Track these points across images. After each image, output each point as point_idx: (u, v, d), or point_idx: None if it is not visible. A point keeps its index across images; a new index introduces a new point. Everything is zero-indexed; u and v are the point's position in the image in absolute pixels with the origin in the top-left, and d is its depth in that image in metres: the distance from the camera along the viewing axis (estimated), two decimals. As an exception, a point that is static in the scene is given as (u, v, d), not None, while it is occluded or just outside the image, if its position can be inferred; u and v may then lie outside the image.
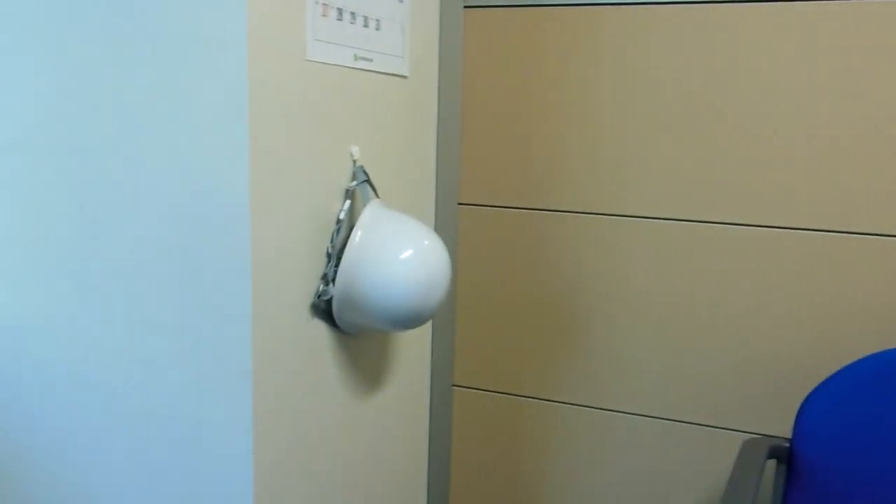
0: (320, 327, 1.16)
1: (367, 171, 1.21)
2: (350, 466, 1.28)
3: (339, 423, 1.24)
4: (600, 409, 1.47)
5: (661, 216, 1.38)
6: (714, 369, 1.38)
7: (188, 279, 1.05)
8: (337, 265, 1.13)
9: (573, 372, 1.48)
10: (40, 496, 1.24)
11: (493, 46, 1.44)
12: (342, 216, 1.16)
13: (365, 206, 1.16)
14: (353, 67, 1.16)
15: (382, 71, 1.23)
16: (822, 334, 1.31)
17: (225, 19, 0.96)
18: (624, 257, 1.41)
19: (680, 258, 1.38)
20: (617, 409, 1.46)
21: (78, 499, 1.21)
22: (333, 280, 1.13)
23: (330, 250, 1.15)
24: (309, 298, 1.13)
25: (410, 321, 1.15)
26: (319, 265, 1.15)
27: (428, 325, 1.51)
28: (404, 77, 1.30)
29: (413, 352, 1.45)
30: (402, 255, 1.12)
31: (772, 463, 1.31)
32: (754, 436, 1.37)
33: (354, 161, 1.19)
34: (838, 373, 1.25)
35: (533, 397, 1.52)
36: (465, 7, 1.44)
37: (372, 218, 1.14)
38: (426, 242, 1.14)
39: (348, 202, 1.17)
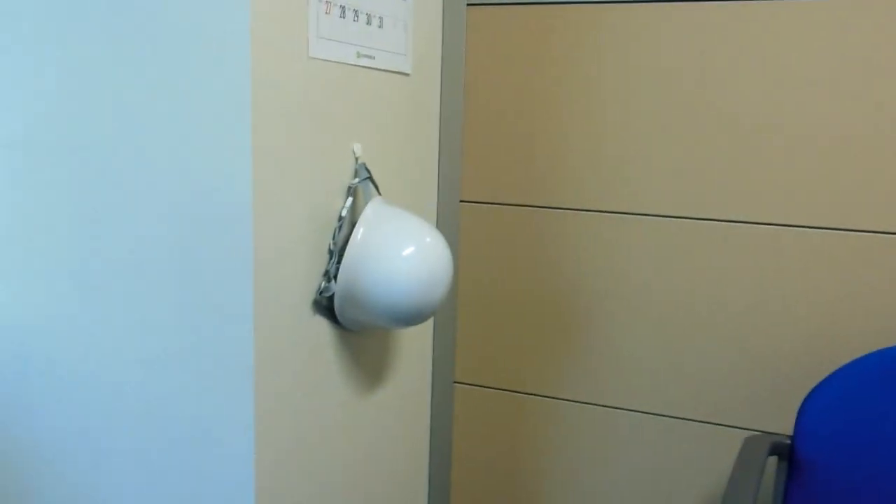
0: (322, 324, 1.17)
1: (369, 168, 1.21)
2: (351, 463, 1.28)
3: (341, 420, 1.24)
4: (602, 405, 1.47)
5: (663, 213, 1.38)
6: (715, 366, 1.39)
7: (189, 277, 1.05)
8: (339, 262, 1.13)
9: (574, 369, 1.48)
10: (42, 494, 1.24)
11: (495, 44, 1.44)
12: (344, 213, 1.16)
13: (367, 203, 1.16)
14: (355, 65, 1.16)
15: (385, 68, 1.23)
16: (823, 332, 1.31)
17: (227, 17, 0.97)
18: (625, 254, 1.41)
19: (681, 255, 1.38)
20: (618, 406, 1.46)
21: (79, 497, 1.21)
22: (335, 277, 1.14)
23: (332, 247, 1.15)
24: (311, 295, 1.13)
25: (412, 318, 1.15)
26: (321, 262, 1.15)
27: (429, 322, 1.51)
28: (407, 75, 1.30)
29: (414, 349, 1.45)
30: (403, 252, 1.12)
31: (773, 460, 1.31)
32: (755, 433, 1.37)
33: (356, 158, 1.19)
34: (839, 370, 1.25)
35: (534, 394, 1.53)
36: (468, 5, 1.44)
37: (374, 215, 1.14)
38: (428, 239, 1.15)
39: (350, 199, 1.17)
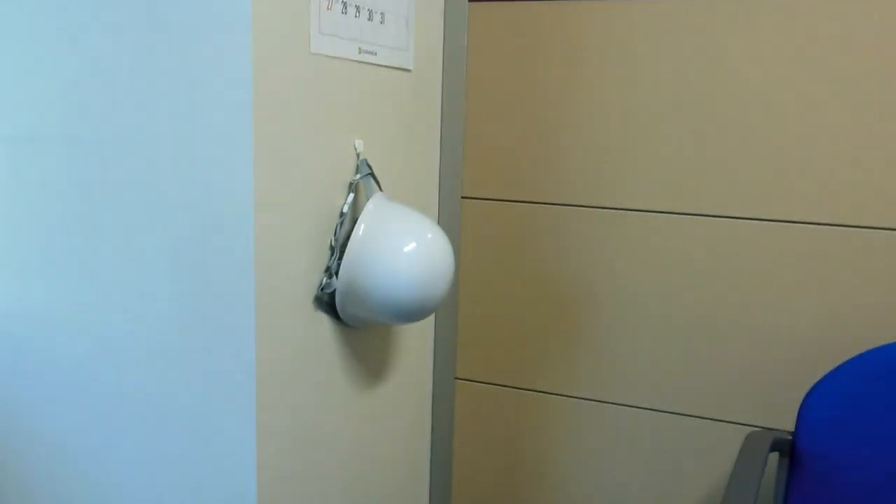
0: (323, 320, 1.17)
1: (371, 164, 1.21)
2: (352, 459, 1.28)
3: (342, 416, 1.24)
4: (603, 402, 1.47)
5: (665, 210, 1.38)
6: (716, 362, 1.39)
7: (191, 273, 1.05)
8: (340, 258, 1.13)
9: (575, 365, 1.48)
10: (45, 489, 1.24)
11: (497, 40, 1.44)
12: (346, 209, 1.16)
13: (368, 199, 1.16)
14: (357, 61, 1.16)
15: (387, 64, 1.23)
16: (825, 328, 1.31)
17: (230, 12, 0.96)
18: (627, 251, 1.41)
19: (683, 252, 1.38)
20: (620, 403, 1.46)
21: (82, 493, 1.21)
22: (337, 273, 1.14)
23: (333, 243, 1.15)
24: (312, 291, 1.13)
25: (413, 314, 1.15)
26: (323, 258, 1.15)
27: (431, 318, 1.51)
28: (408, 70, 1.30)
29: (416, 345, 1.45)
30: (405, 248, 1.12)
31: (774, 456, 1.31)
32: (757, 429, 1.37)
33: (358, 154, 1.19)
34: (841, 366, 1.25)
35: (535, 390, 1.53)
36: (470, 1, 1.44)
37: (375, 211, 1.14)
38: (429, 235, 1.15)
39: (352, 195, 1.17)
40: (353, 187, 1.18)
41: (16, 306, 1.20)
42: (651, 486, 1.47)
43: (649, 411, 1.44)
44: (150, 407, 1.13)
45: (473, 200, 1.50)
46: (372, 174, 1.20)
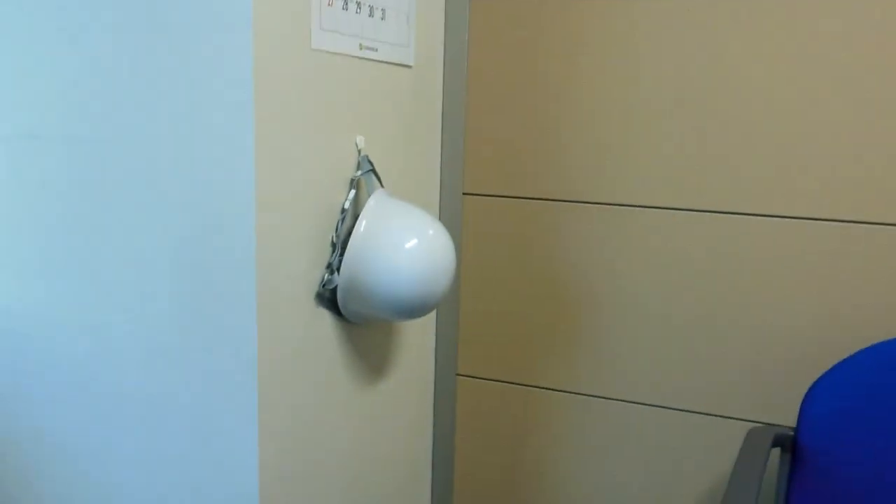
0: (325, 317, 1.17)
1: (372, 160, 1.21)
2: (354, 455, 1.29)
3: (343, 412, 1.24)
4: (605, 398, 1.47)
5: (667, 206, 1.38)
6: (718, 358, 1.39)
7: (192, 269, 1.05)
8: (342, 255, 1.13)
9: (577, 361, 1.48)
10: (46, 488, 1.24)
11: (498, 36, 1.43)
12: (347, 206, 1.16)
13: (370, 195, 1.16)
14: (358, 57, 1.16)
15: (387, 60, 1.23)
16: (826, 323, 1.31)
17: (230, 9, 0.96)
18: (628, 247, 1.41)
19: (685, 248, 1.38)
20: (622, 399, 1.46)
21: (83, 490, 1.21)
22: (338, 269, 1.14)
23: (335, 240, 1.15)
24: (314, 288, 1.13)
25: (415, 310, 1.15)
26: (324, 255, 1.15)
27: (432, 315, 1.51)
28: (409, 67, 1.30)
29: (417, 341, 1.45)
30: (406, 244, 1.12)
31: (776, 451, 1.31)
32: (759, 424, 1.37)
33: (359, 151, 1.19)
34: (843, 362, 1.25)
35: (536, 386, 1.53)
36: (470, -4, 1.44)
37: (377, 207, 1.14)
38: (430, 232, 1.15)
39: (353, 192, 1.17)
40: (354, 184, 1.18)
41: (16, 305, 1.20)
42: (653, 481, 1.47)
43: (651, 407, 1.44)
44: (151, 406, 1.13)
45: (475, 197, 1.50)
46: (373, 170, 1.20)
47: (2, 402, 1.25)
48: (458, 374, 1.58)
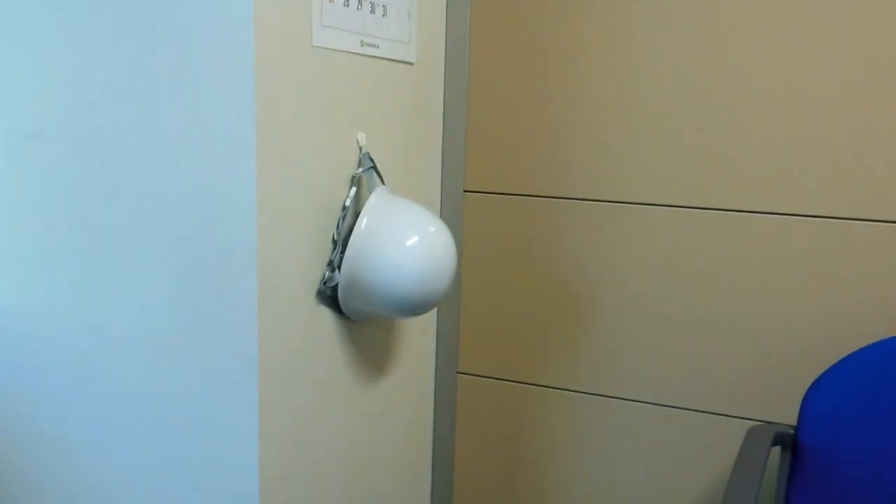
0: (326, 314, 1.17)
1: (373, 157, 1.21)
2: (354, 452, 1.29)
3: (344, 409, 1.24)
4: (605, 396, 1.47)
5: (667, 203, 1.37)
6: (718, 356, 1.39)
7: (193, 267, 1.05)
8: (342, 252, 1.13)
9: (577, 359, 1.48)
10: (46, 486, 1.24)
11: (499, 33, 1.43)
12: (348, 203, 1.16)
13: (371, 192, 1.16)
14: (359, 54, 1.16)
15: (389, 57, 1.23)
16: (827, 321, 1.31)
17: (232, 6, 0.96)
18: (629, 245, 1.41)
19: (685, 245, 1.37)
20: (622, 397, 1.46)
21: (84, 487, 1.21)
22: (339, 267, 1.13)
23: (335, 237, 1.15)
24: (314, 285, 1.13)
25: (415, 308, 1.15)
26: (325, 252, 1.15)
27: (433, 312, 1.51)
28: (410, 64, 1.30)
29: (418, 339, 1.45)
30: (407, 241, 1.12)
31: (776, 450, 1.31)
32: (759, 423, 1.37)
33: (360, 148, 1.19)
34: (843, 360, 1.25)
35: (536, 384, 1.53)
36: (471, -7, 1.44)
37: (378, 205, 1.14)
38: (432, 229, 1.14)
39: (354, 189, 1.17)
40: (355, 181, 1.18)
41: (18, 304, 1.20)
42: (653, 480, 1.47)
43: (652, 405, 1.44)
44: (152, 404, 1.13)
45: (476, 194, 1.50)
46: (374, 168, 1.19)
47: (2, 400, 1.25)
48: (458, 372, 1.58)
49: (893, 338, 1.24)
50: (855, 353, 1.25)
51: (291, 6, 1.01)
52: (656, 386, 1.43)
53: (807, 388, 1.32)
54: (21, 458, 1.26)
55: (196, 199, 1.03)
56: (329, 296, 1.16)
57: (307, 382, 1.14)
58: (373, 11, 1.17)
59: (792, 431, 1.28)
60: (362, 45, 1.16)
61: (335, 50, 1.10)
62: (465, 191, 1.51)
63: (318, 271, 1.14)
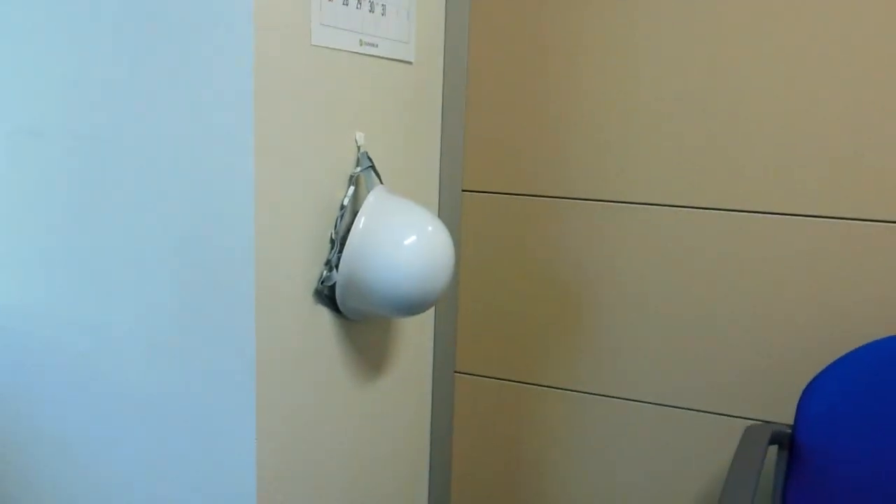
0: (323, 313, 1.17)
1: (372, 157, 1.21)
2: (352, 452, 1.29)
3: (342, 408, 1.24)
4: (603, 395, 1.48)
5: (665, 203, 1.38)
6: (716, 356, 1.39)
7: (192, 266, 1.05)
8: (340, 251, 1.13)
9: (575, 358, 1.48)
10: (48, 483, 1.24)
11: (498, 33, 1.43)
12: (346, 202, 1.16)
13: (369, 192, 1.16)
14: (358, 53, 1.16)
15: (388, 57, 1.23)
16: (824, 321, 1.32)
17: (231, 5, 0.96)
18: (627, 244, 1.41)
19: (682, 245, 1.38)
20: (620, 396, 1.46)
21: (82, 486, 1.21)
22: (337, 266, 1.13)
23: (333, 236, 1.15)
24: (312, 285, 1.13)
25: (413, 307, 1.15)
26: (323, 251, 1.15)
27: (430, 312, 1.51)
28: (409, 63, 1.30)
29: (415, 338, 1.45)
30: (405, 241, 1.12)
31: (773, 449, 1.32)
32: (756, 422, 1.37)
33: (359, 147, 1.19)
34: (840, 359, 1.25)
35: (534, 384, 1.53)
36: (470, -7, 1.44)
37: (376, 204, 1.14)
38: (430, 229, 1.14)
39: (352, 188, 1.17)
40: (353, 180, 1.18)
41: (17, 303, 1.19)
42: (651, 479, 1.47)
43: (649, 405, 1.45)
44: (150, 404, 1.13)
45: (474, 193, 1.50)
46: (372, 167, 1.19)
47: (2, 400, 1.24)
48: (456, 372, 1.58)
49: (890, 337, 1.24)
50: (852, 352, 1.25)
51: (291, 5, 1.01)
52: (654, 385, 1.44)
53: (804, 387, 1.33)
54: (21, 457, 1.25)
55: (195, 198, 1.03)
56: (327, 295, 1.16)
57: (305, 382, 1.14)
58: (372, 10, 1.17)
59: (789, 431, 1.28)
60: (361, 45, 1.16)
61: (334, 49, 1.10)
62: (464, 190, 1.51)
63: (315, 271, 1.14)
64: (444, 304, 1.53)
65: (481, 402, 1.57)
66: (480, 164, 1.48)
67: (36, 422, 1.22)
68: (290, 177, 1.06)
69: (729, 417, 1.40)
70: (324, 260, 1.15)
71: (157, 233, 1.06)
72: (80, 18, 1.05)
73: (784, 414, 1.36)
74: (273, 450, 1.10)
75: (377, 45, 1.19)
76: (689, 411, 1.42)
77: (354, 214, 1.18)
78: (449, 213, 1.49)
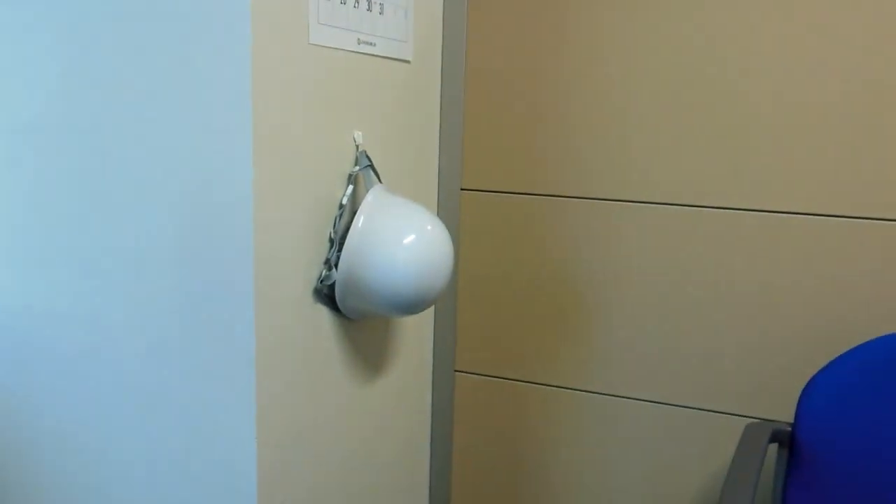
0: (323, 313, 1.17)
1: (370, 156, 1.21)
2: (352, 450, 1.29)
3: (342, 407, 1.24)
4: (603, 394, 1.48)
5: (665, 201, 1.38)
6: (716, 354, 1.39)
7: (191, 265, 1.05)
8: (340, 250, 1.13)
9: (575, 357, 1.48)
10: (47, 479, 1.24)
11: (497, 31, 1.43)
12: (345, 201, 1.16)
13: (368, 191, 1.16)
14: (356, 52, 1.15)
15: (386, 55, 1.23)
16: (824, 319, 1.31)
17: (229, 3, 0.96)
18: (626, 243, 1.41)
19: (682, 243, 1.38)
20: (620, 395, 1.46)
21: (82, 485, 1.21)
22: (336, 265, 1.13)
23: (332, 235, 1.15)
24: (312, 284, 1.13)
25: (412, 306, 1.15)
26: (322, 250, 1.15)
27: (430, 311, 1.51)
28: (408, 62, 1.30)
29: (415, 337, 1.45)
30: (404, 240, 1.12)
31: (773, 447, 1.31)
32: (756, 420, 1.37)
33: (357, 146, 1.19)
34: (840, 357, 1.25)
35: (534, 382, 1.53)
36: (468, -9, 1.44)
37: (375, 203, 1.14)
38: (429, 227, 1.14)
39: (351, 187, 1.17)
40: (352, 179, 1.18)
41: (15, 300, 1.19)
42: (651, 477, 1.47)
43: (649, 403, 1.45)
44: (149, 401, 1.12)
45: (473, 192, 1.50)
46: (371, 166, 1.19)
47: (1, 399, 1.25)
48: (455, 371, 1.58)
49: (891, 335, 1.24)
50: (852, 350, 1.25)
51: (288, 4, 1.01)
52: (653, 383, 1.44)
53: (804, 385, 1.32)
54: (21, 456, 1.25)
55: (193, 196, 1.03)
56: (326, 294, 1.16)
57: (304, 381, 1.14)
58: (370, 9, 1.17)
59: (789, 429, 1.28)
60: (359, 43, 1.16)
61: (332, 48, 1.10)
62: (462, 189, 1.51)
63: (315, 270, 1.13)
64: (444, 303, 1.52)
65: (481, 401, 1.57)
66: (479, 162, 1.48)
67: (36, 420, 1.22)
68: (289, 176, 1.06)
69: (729, 416, 1.40)
70: (323, 259, 1.15)
71: (156, 232, 1.06)
72: (79, 16, 1.05)
73: (784, 412, 1.36)
74: (273, 448, 1.10)
75: (375, 44, 1.19)
76: (689, 409, 1.42)
77: (353, 213, 1.17)
78: (448, 212, 1.49)
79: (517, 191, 1.47)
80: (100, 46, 1.04)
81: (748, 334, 1.36)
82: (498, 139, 1.46)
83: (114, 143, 1.06)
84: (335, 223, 1.15)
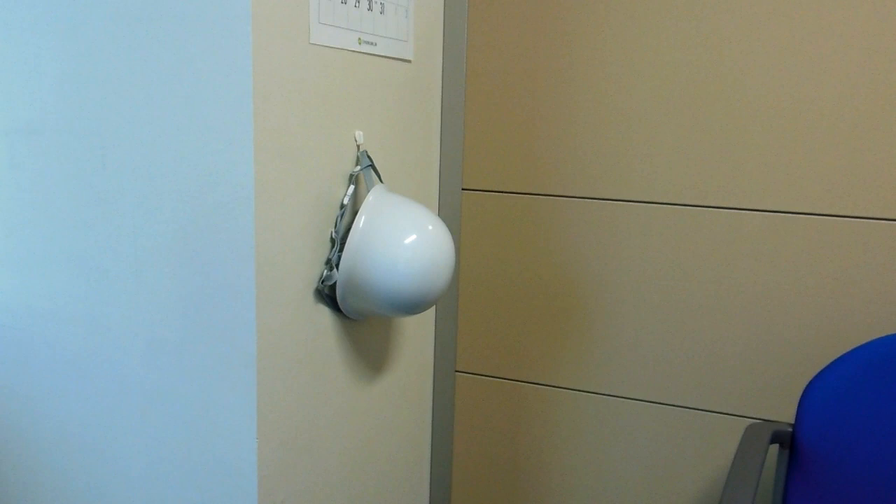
0: (324, 312, 1.16)
1: (371, 155, 1.21)
2: (353, 451, 1.28)
3: (343, 407, 1.24)
4: (604, 394, 1.47)
5: (665, 201, 1.37)
6: (717, 354, 1.39)
7: (192, 265, 1.05)
8: (341, 250, 1.13)
9: (576, 357, 1.48)
10: (45, 481, 1.24)
11: (497, 31, 1.43)
12: (346, 201, 1.16)
13: (369, 191, 1.16)
14: (357, 51, 1.15)
15: (386, 55, 1.23)
16: (825, 319, 1.31)
17: (230, 3, 0.96)
18: (627, 243, 1.41)
19: (682, 243, 1.37)
20: (620, 395, 1.46)
21: (82, 484, 1.21)
22: (337, 265, 1.13)
23: (334, 235, 1.15)
24: (313, 284, 1.13)
25: (414, 306, 1.15)
26: (323, 250, 1.14)
27: (431, 311, 1.51)
28: (408, 61, 1.29)
29: (416, 337, 1.45)
30: (405, 240, 1.12)
31: (774, 448, 1.31)
32: (757, 421, 1.37)
33: (358, 146, 1.19)
34: (841, 358, 1.25)
35: (535, 383, 1.53)
36: (469, -10, 1.44)
37: (376, 203, 1.14)
38: (430, 227, 1.14)
39: (352, 187, 1.17)
40: (353, 179, 1.17)
41: (16, 300, 1.19)
42: (651, 478, 1.47)
43: (650, 404, 1.44)
44: (150, 401, 1.12)
45: (474, 192, 1.50)
46: (372, 166, 1.19)
47: (1, 399, 1.25)
48: (456, 371, 1.58)
49: (891, 335, 1.24)
50: (853, 350, 1.25)
51: (289, 4, 1.01)
52: (654, 384, 1.43)
53: (805, 385, 1.32)
54: (21, 456, 1.25)
55: (194, 196, 1.03)
56: (327, 294, 1.16)
57: (306, 381, 1.14)
58: (370, 9, 1.16)
59: (790, 429, 1.28)
60: (360, 43, 1.16)
61: (333, 48, 1.10)
62: (464, 189, 1.51)
63: (316, 270, 1.13)
64: (445, 303, 1.52)
65: (482, 401, 1.57)
66: (480, 162, 1.48)
67: (36, 420, 1.22)
68: (290, 176, 1.05)
69: (729, 416, 1.40)
70: (324, 259, 1.15)
71: (157, 232, 1.06)
72: (79, 16, 1.05)
73: (785, 413, 1.36)
74: (274, 447, 1.10)
75: (376, 44, 1.19)
76: (689, 410, 1.42)
77: (354, 213, 1.17)
78: (449, 212, 1.49)
79: (518, 190, 1.47)
80: (100, 47, 1.04)
81: (749, 334, 1.36)
82: (499, 139, 1.46)
83: (114, 143, 1.06)
84: (336, 223, 1.15)
